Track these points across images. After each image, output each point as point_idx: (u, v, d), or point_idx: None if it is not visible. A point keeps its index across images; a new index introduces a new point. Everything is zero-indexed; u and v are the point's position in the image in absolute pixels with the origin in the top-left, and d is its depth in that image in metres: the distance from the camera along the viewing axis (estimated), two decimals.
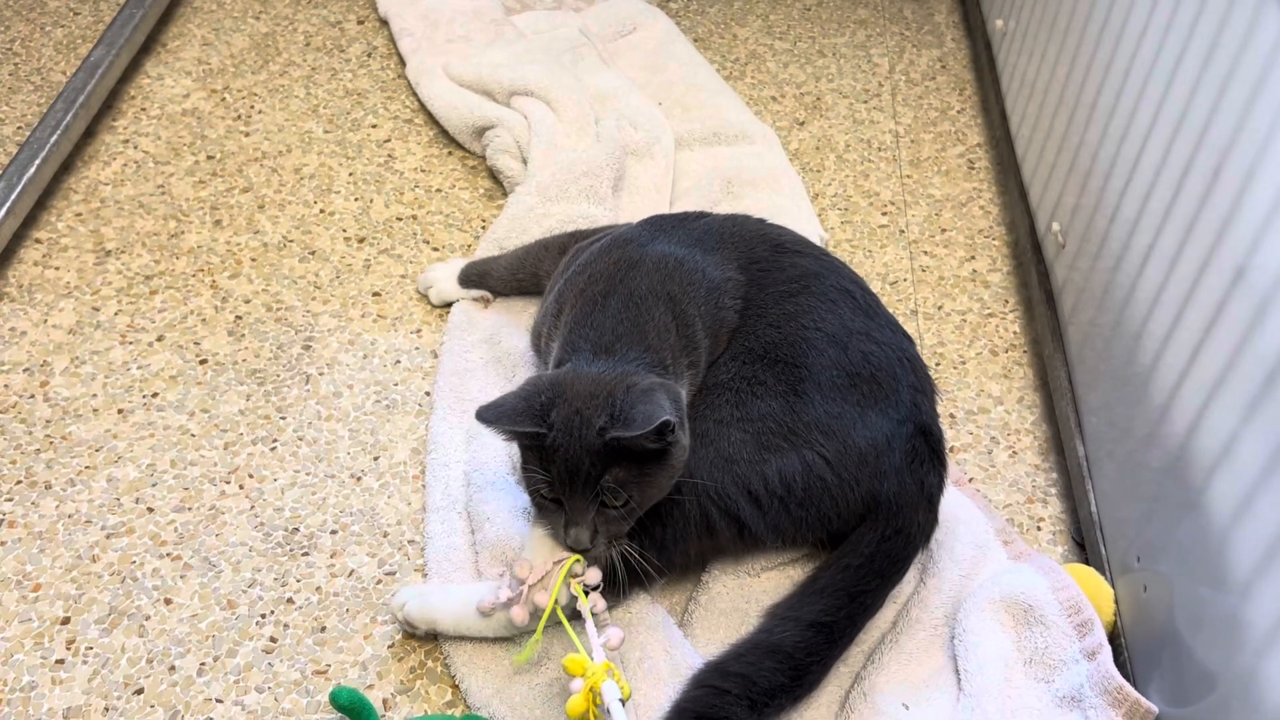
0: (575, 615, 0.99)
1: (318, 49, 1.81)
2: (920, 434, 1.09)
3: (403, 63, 1.77)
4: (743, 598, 1.08)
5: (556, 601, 0.97)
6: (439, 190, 1.56)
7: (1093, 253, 1.25)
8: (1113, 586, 1.07)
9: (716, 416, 1.07)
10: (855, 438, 1.06)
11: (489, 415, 0.98)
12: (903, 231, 1.55)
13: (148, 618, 1.05)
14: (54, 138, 1.48)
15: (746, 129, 1.66)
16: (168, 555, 1.11)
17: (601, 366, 1.03)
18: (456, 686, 1.02)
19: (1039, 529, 1.20)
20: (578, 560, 0.99)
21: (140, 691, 1.00)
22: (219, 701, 0.99)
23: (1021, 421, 1.31)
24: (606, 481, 0.96)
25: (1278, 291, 0.85)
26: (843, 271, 1.18)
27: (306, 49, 1.81)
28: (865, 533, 1.06)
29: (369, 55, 1.80)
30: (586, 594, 0.98)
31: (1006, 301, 1.45)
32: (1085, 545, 1.16)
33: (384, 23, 1.87)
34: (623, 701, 0.91)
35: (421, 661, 1.04)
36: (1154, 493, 1.03)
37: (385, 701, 1.01)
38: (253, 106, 1.68)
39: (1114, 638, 1.05)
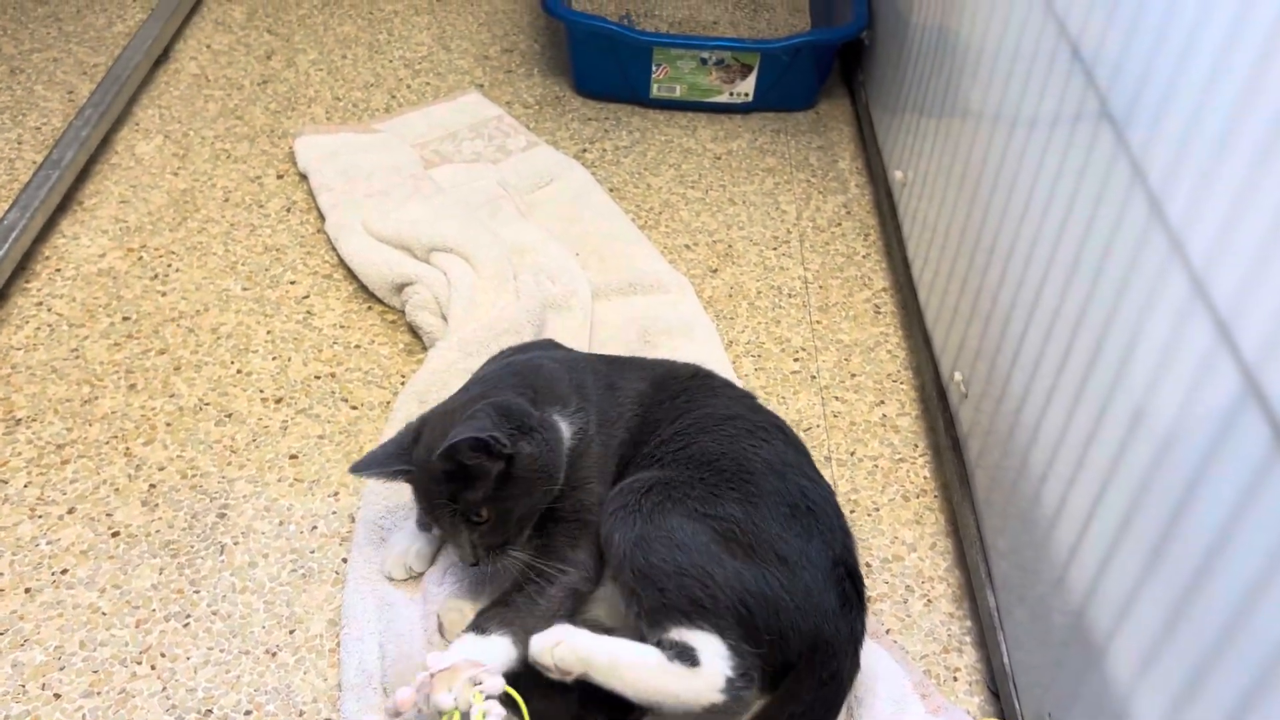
0: None
1: (236, 204, 1.83)
2: (849, 578, 1.11)
3: (322, 218, 1.80)
4: None
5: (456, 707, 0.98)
6: (358, 346, 1.58)
7: (995, 397, 1.30)
8: None
9: (686, 510, 1.09)
10: (802, 571, 1.07)
11: (361, 466, 1.15)
12: (814, 377, 1.59)
13: None
14: None
15: (662, 278, 1.70)
16: None
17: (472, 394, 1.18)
18: None
19: (955, 679, 1.21)
20: (484, 670, 1.00)
21: None
22: None
23: (935, 568, 1.33)
24: (460, 505, 1.09)
25: (1175, 436, 0.89)
26: (772, 415, 1.25)
27: (225, 204, 1.83)
28: (803, 678, 1.06)
29: (288, 210, 1.83)
30: (485, 698, 0.99)
31: (916, 446, 1.50)
32: (1000, 697, 1.18)
33: (303, 177, 1.89)
34: None
35: None
36: (1061, 645, 1.06)
37: None
38: (170, 265, 1.69)
39: None
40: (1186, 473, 0.87)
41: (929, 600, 1.30)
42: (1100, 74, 1.07)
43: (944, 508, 1.41)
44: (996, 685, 1.19)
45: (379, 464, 1.15)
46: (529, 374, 1.22)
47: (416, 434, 1.15)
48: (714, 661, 1.03)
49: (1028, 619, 1.15)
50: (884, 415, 1.54)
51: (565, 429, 1.18)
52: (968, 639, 1.26)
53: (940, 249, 1.57)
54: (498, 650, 1.05)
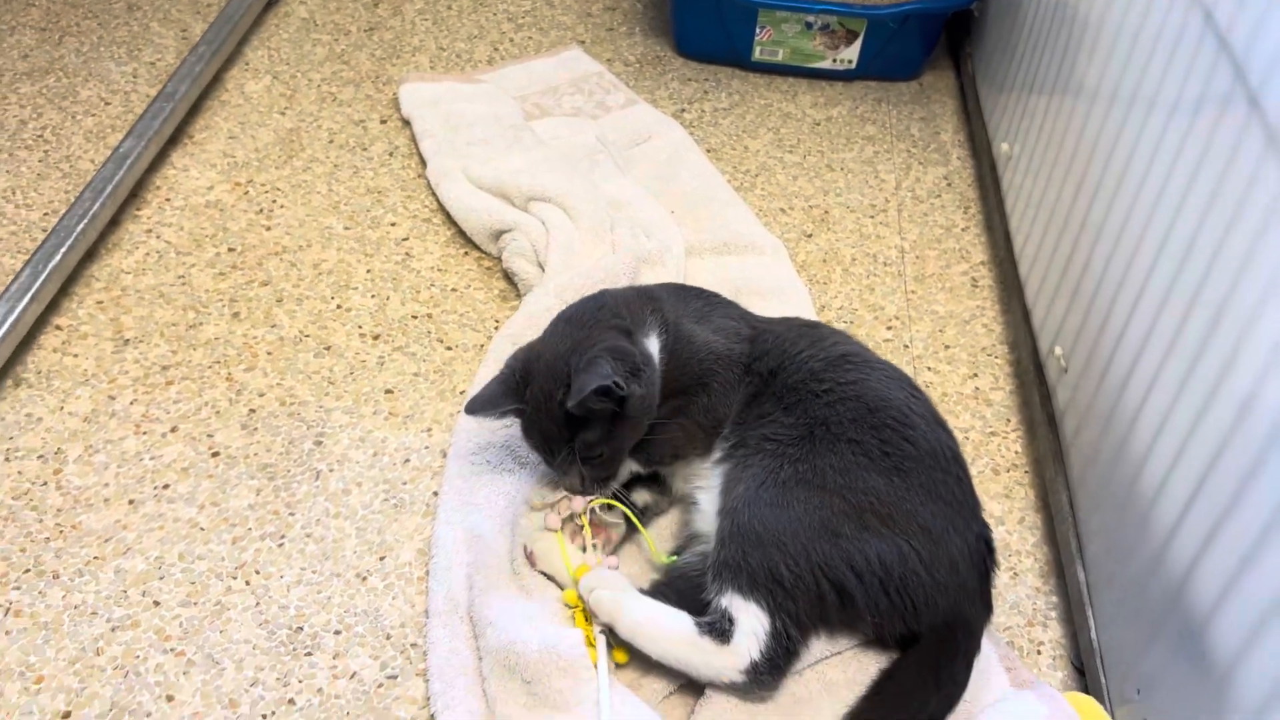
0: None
1: (341, 146, 1.86)
2: (985, 548, 1.11)
3: (423, 163, 1.82)
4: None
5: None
6: (454, 290, 1.59)
7: (1096, 377, 1.27)
8: (1112, 718, 1.08)
9: (819, 480, 1.07)
10: (949, 543, 1.07)
11: (476, 406, 1.17)
12: (907, 346, 1.58)
13: (149, 715, 1.05)
14: (80, 226, 1.52)
15: (756, 240, 1.69)
16: (172, 650, 1.11)
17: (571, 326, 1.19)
18: None
19: (1039, 653, 1.20)
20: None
21: None
22: None
23: (1023, 543, 1.32)
24: (577, 444, 1.13)
25: None
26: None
27: (330, 145, 1.86)
28: (941, 655, 1.07)
29: (390, 154, 1.85)
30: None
31: (1008, 420, 1.48)
32: (1085, 673, 1.16)
33: (406, 123, 1.92)
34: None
35: None
36: (1155, 623, 1.04)
37: None
38: (275, 200, 1.72)
39: None
40: None
41: (1016, 574, 1.28)
42: (1254, 67, 1.02)
43: (1035, 483, 1.39)
44: (1081, 660, 1.17)
45: (494, 405, 1.16)
46: (615, 305, 1.21)
47: (523, 375, 1.16)
48: (745, 640, 1.03)
49: (1119, 596, 1.13)
50: (977, 388, 1.52)
51: (655, 348, 1.19)
52: (1053, 614, 1.24)
53: (1046, 224, 1.54)
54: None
